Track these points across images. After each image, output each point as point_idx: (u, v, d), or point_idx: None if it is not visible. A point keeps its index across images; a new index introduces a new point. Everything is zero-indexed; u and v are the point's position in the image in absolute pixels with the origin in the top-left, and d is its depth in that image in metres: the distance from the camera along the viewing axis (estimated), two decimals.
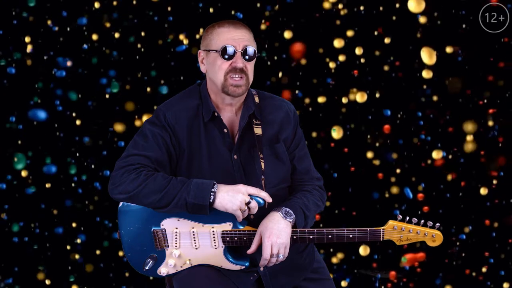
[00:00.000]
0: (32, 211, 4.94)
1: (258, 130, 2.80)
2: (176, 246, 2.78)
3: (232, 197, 2.60)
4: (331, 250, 5.04)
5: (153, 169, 2.68)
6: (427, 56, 4.82)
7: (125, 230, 2.82)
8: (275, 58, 5.02)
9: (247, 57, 2.73)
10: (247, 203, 2.62)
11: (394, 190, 4.99)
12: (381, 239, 2.69)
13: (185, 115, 2.77)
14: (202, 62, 2.83)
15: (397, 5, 4.85)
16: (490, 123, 4.82)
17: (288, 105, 2.92)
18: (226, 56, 2.71)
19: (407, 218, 2.69)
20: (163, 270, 2.81)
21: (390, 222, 2.69)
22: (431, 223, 2.68)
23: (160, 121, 2.76)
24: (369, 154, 5.02)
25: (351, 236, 2.69)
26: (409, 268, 4.97)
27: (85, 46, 4.83)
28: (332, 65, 4.97)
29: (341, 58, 4.97)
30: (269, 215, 2.71)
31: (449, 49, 4.79)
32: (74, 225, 4.98)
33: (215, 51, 2.74)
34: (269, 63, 4.99)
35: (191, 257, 2.78)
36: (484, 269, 4.94)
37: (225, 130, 2.79)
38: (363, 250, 4.96)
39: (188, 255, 2.78)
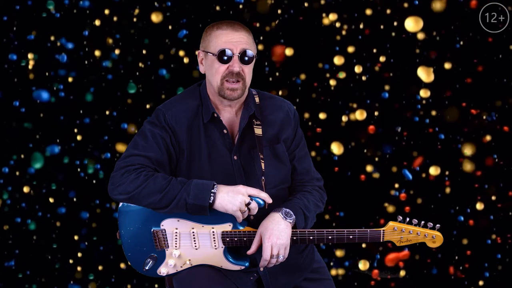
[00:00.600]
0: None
1: (258, 131, 2.72)
2: (176, 246, 2.69)
3: (232, 198, 2.52)
4: (332, 264, 4.93)
5: (153, 170, 2.60)
6: (425, 74, 4.74)
7: (125, 230, 2.73)
8: (277, 74, 4.95)
9: (246, 58, 2.64)
10: (247, 204, 2.54)
11: (390, 208, 4.89)
12: (381, 240, 2.60)
13: (185, 116, 2.69)
14: (201, 63, 2.75)
15: (395, 23, 4.78)
16: (488, 137, 4.74)
17: (289, 105, 2.83)
18: (224, 59, 2.63)
19: (407, 219, 2.60)
20: (163, 270, 2.72)
21: (390, 223, 2.61)
22: (431, 224, 2.59)
23: (160, 122, 2.68)
24: (369, 168, 4.93)
25: (351, 237, 2.60)
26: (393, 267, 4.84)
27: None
28: (332, 82, 4.89)
29: (342, 75, 4.87)
30: (269, 215, 2.63)
31: (447, 65, 4.71)
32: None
33: (213, 54, 2.66)
34: (270, 79, 4.93)
35: (191, 257, 2.70)
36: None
37: (225, 131, 2.70)
38: (363, 265, 4.85)
39: (188, 255, 2.70)
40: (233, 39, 2.64)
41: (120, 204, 2.73)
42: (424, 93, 4.74)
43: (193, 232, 2.67)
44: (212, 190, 2.53)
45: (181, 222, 2.66)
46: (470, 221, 4.80)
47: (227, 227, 2.65)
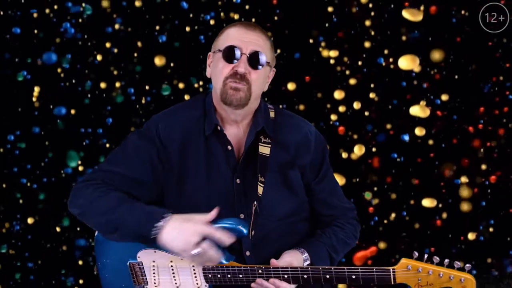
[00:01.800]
0: None
1: (264, 150, 2.00)
2: (155, 283, 2.00)
3: (178, 235, 1.82)
4: None
5: (117, 188, 1.93)
6: (421, 110, 4.12)
7: (102, 262, 2.05)
8: (280, 106, 4.27)
9: (255, 61, 1.95)
10: (199, 243, 1.81)
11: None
12: (393, 283, 1.82)
13: (180, 128, 2.01)
14: (209, 65, 2.06)
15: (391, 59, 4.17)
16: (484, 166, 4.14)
17: (309, 127, 2.10)
18: (229, 57, 1.95)
19: (426, 256, 1.80)
20: None
21: (403, 261, 1.81)
22: (459, 263, 1.77)
23: (149, 132, 2.01)
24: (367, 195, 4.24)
25: (353, 277, 1.86)
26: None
27: None
28: (334, 117, 4.21)
29: (341, 109, 4.23)
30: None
31: (444, 97, 4.14)
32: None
33: (219, 51, 1.98)
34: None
35: None
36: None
37: (229, 148, 2.00)
38: None
39: None
40: (245, 38, 1.97)
41: (96, 232, 2.04)
42: (419, 131, 4.14)
43: (171, 266, 1.98)
44: (158, 223, 1.83)
45: (158, 253, 1.98)
46: None
47: None
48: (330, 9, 4.15)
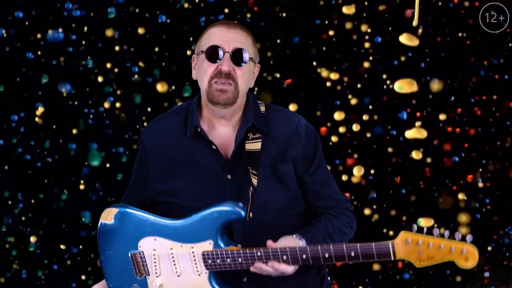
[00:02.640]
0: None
1: (255, 145, 1.96)
2: (156, 273, 1.91)
3: None
4: None
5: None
6: (417, 132, 4.06)
7: (105, 255, 1.96)
8: None
9: (239, 58, 1.93)
10: None
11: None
12: (393, 258, 1.70)
13: (161, 134, 2.02)
14: (194, 68, 2.04)
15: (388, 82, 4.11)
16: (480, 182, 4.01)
17: (299, 119, 2.03)
18: (213, 57, 1.93)
19: (425, 228, 1.63)
20: None
21: (402, 234, 1.66)
22: (460, 234, 1.60)
23: (139, 147, 2.09)
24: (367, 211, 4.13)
25: (352, 254, 1.76)
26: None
27: None
28: (334, 139, 4.15)
29: (341, 129, 4.15)
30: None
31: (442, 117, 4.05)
32: None
33: (202, 52, 1.96)
34: None
35: (175, 287, 1.90)
36: None
37: (214, 147, 1.96)
38: None
39: (171, 285, 1.90)
40: (226, 37, 1.95)
41: (99, 223, 1.98)
42: (416, 155, 4.02)
43: (172, 254, 1.90)
44: None
45: (158, 241, 1.90)
46: None
47: (207, 245, 1.86)
48: (331, 32, 4.13)
